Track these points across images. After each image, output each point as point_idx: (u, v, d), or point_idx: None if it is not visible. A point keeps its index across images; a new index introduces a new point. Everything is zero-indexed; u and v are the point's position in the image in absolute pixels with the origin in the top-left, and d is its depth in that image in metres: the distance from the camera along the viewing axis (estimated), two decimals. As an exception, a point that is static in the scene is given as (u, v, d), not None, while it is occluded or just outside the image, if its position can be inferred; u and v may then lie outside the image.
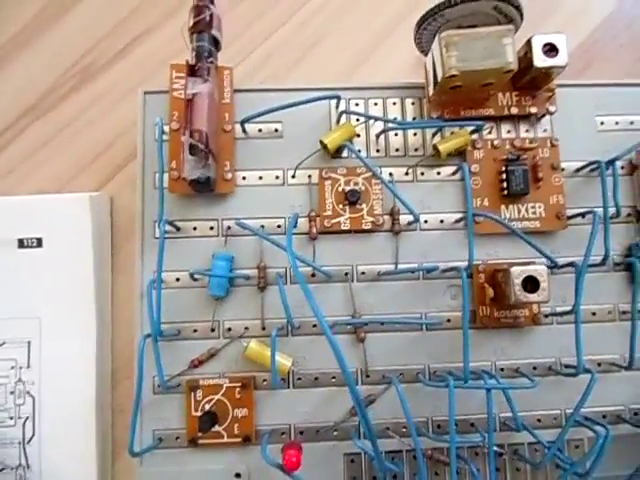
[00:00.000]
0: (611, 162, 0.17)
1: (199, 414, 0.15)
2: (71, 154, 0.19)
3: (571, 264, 0.16)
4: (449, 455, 0.14)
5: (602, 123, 0.18)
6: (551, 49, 0.16)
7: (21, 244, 0.18)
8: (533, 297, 0.14)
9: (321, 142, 0.17)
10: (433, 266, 0.16)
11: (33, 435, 0.17)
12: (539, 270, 0.15)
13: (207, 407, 0.15)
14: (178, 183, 0.16)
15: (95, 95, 0.19)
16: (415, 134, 0.17)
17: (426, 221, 0.17)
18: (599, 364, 0.17)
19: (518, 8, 0.15)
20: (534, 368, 0.17)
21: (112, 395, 0.18)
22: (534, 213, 0.17)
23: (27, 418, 0.17)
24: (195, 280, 0.16)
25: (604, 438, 0.15)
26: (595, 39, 0.20)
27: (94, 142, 0.19)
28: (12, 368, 0.18)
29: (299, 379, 0.16)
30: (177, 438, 0.16)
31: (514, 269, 0.15)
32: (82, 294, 0.18)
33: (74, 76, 0.20)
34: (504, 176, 0.17)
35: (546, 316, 0.17)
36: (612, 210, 0.16)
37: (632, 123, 0.18)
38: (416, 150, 0.17)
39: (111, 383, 0.18)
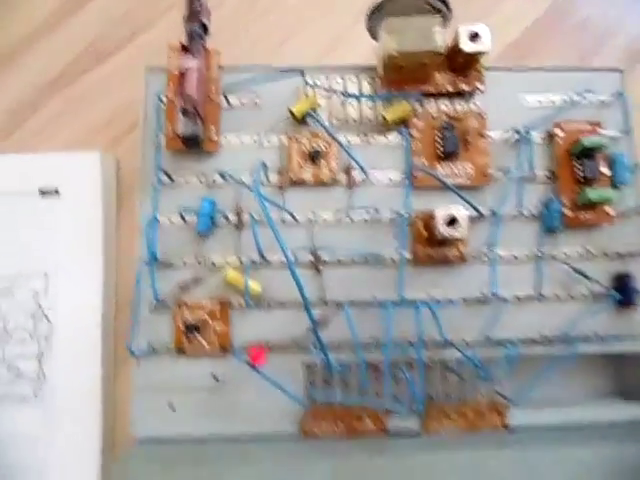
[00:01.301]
0: (529, 131, 0.21)
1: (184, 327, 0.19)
2: (85, 122, 0.23)
3: (493, 213, 0.20)
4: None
5: (527, 101, 0.22)
6: (475, 36, 0.19)
7: (42, 193, 0.22)
8: (453, 232, 0.18)
9: (290, 111, 0.20)
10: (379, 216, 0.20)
11: (49, 350, 0.21)
12: (458, 211, 0.18)
13: (191, 320, 0.19)
14: (173, 141, 0.20)
15: (107, 73, 0.24)
16: (370, 108, 0.21)
17: (376, 177, 0.21)
18: (518, 298, 0.20)
19: (445, 2, 0.18)
20: (464, 300, 0.20)
21: (115, 319, 0.22)
22: (464, 171, 0.20)
23: (44, 336, 0.21)
24: (185, 221, 0.20)
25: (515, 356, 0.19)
26: (527, 37, 0.25)
27: (105, 112, 0.23)
28: (33, 296, 0.22)
29: (269, 304, 0.20)
30: (167, 348, 0.19)
31: (438, 210, 0.18)
32: (92, 237, 0.22)
33: (89, 56, 0.24)
34: (439, 140, 0.20)
35: (474, 257, 0.20)
36: (541, 173, 0.21)
37: (553, 102, 0.22)
38: (369, 120, 0.21)
39: (114, 310, 0.22)
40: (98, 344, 0.21)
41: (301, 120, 0.21)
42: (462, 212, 0.18)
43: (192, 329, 0.19)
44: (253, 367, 0.17)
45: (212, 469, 0.17)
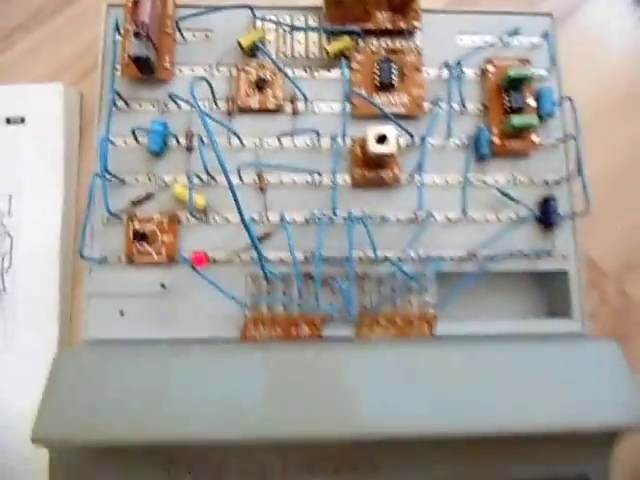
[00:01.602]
0: (460, 64, 0.22)
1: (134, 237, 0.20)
2: (53, 59, 0.25)
3: (425, 140, 0.21)
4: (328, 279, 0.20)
5: (461, 40, 0.23)
6: (408, -25, 0.21)
7: (8, 121, 0.23)
8: (383, 148, 0.19)
9: (238, 43, 0.22)
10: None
11: (10, 266, 0.22)
12: (387, 129, 0.19)
13: (140, 230, 0.20)
14: (128, 67, 0.21)
15: (76, 13, 0.25)
16: (314, 43, 0.23)
17: (318, 107, 0.22)
18: (448, 219, 0.22)
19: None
20: (397, 219, 0.22)
21: (75, 238, 0.23)
22: (400, 101, 0.22)
23: (5, 253, 0.22)
24: (138, 142, 0.21)
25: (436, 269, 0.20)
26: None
27: (73, 50, 0.25)
28: (-3, 216, 0.23)
29: (215, 219, 0.21)
30: (119, 258, 0.21)
31: (369, 128, 0.20)
32: (54, 162, 0.23)
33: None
34: (378, 72, 0.22)
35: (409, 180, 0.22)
36: (472, 106, 0.22)
37: (486, 42, 0.23)
38: (314, 55, 0.23)
39: (74, 229, 0.23)
40: (56, 259, 0.22)
41: (249, 52, 0.22)
42: (391, 130, 0.20)
43: (140, 237, 0.20)
44: (196, 270, 0.19)
45: (154, 363, 0.18)
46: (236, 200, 0.17)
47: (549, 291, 0.23)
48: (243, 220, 0.17)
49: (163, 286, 0.21)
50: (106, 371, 0.18)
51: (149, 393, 0.17)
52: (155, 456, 0.18)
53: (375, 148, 0.20)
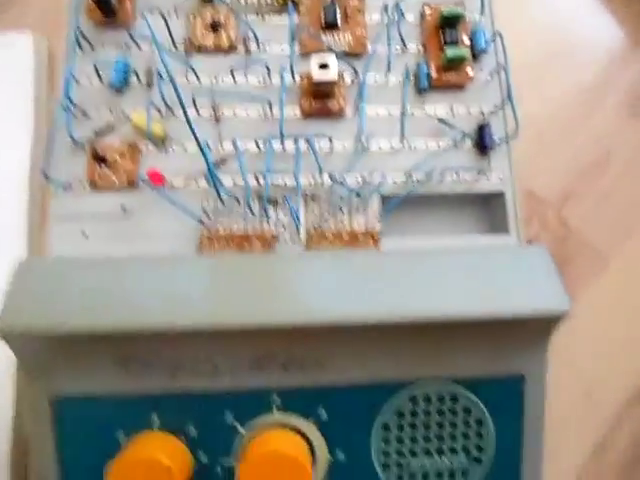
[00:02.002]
0: (399, 8, 0.24)
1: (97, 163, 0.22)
2: (21, 9, 0.27)
3: (368, 73, 0.23)
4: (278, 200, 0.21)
5: (403, -12, 0.25)
6: None
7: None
8: (325, 75, 0.21)
9: (195, -11, 0.24)
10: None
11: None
12: (329, 57, 0.21)
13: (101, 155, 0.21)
14: (92, 12, 0.23)
15: None
16: (266, -9, 0.25)
17: (270, 47, 0.24)
18: (392, 147, 0.23)
19: None
20: (344, 147, 0.23)
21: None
22: (344, 40, 0.24)
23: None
24: (101, 79, 0.23)
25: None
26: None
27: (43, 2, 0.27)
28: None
29: (172, 148, 0.23)
30: (81, 183, 0.22)
31: (313, 56, 0.21)
32: (24, 108, 0.25)
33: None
34: (322, 13, 0.24)
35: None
36: (413, 46, 0.24)
37: (427, -10, 0.25)
38: (266, 3, 0.24)
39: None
40: (26, 189, 0.23)
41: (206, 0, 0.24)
42: (332, 59, 0.21)
43: (100, 160, 0.21)
44: (154, 187, 0.20)
45: (111, 266, 0.19)
46: (190, 124, 0.18)
47: (488, 213, 0.24)
48: (198, 143, 0.19)
49: (124, 209, 0.22)
50: (66, 273, 0.19)
51: (105, 290, 0.18)
52: (112, 353, 0.19)
53: (318, 75, 0.21)
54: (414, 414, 0.20)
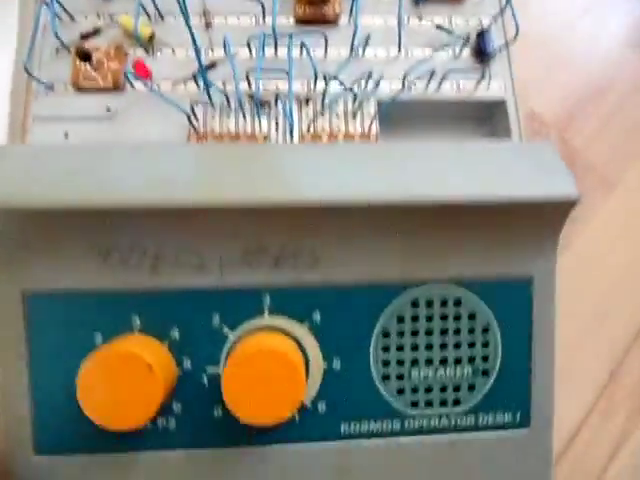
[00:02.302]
0: None
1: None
2: None
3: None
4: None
5: None
6: None
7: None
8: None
9: None
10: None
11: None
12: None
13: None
14: None
15: None
16: None
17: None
18: (389, 54, 0.23)
19: None
20: (339, 54, 0.22)
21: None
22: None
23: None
24: (89, -15, 0.22)
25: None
26: None
27: None
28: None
29: (160, 51, 0.22)
30: (65, 85, 0.21)
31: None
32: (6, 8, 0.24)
33: None
34: None
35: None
36: None
37: None
38: None
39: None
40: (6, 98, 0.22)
41: None
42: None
43: (85, 57, 0.20)
44: (138, 78, 0.19)
45: (94, 149, 0.18)
46: (187, 20, 0.18)
47: (489, 122, 0.23)
48: (194, 40, 0.18)
49: (109, 110, 0.21)
50: (48, 156, 0.17)
51: (88, 170, 0.17)
52: (91, 240, 0.17)
53: (313, -28, 0.21)
54: (416, 319, 0.19)
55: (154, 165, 0.17)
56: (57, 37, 0.21)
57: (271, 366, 0.16)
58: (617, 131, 0.25)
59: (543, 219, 0.19)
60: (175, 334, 0.18)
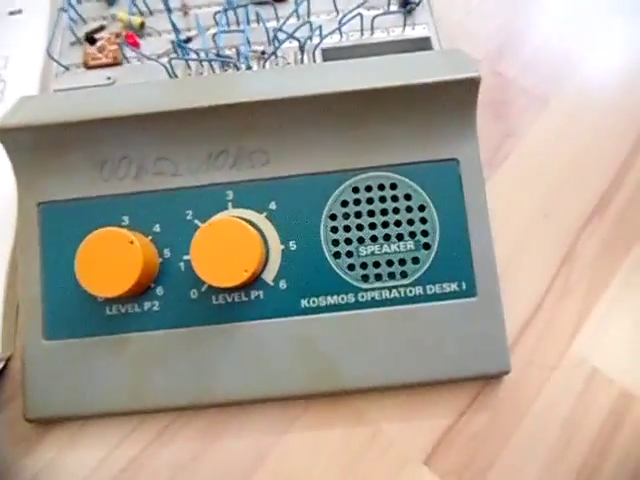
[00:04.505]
0: None
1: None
2: None
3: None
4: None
5: None
6: None
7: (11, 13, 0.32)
8: (264, -43, 0.26)
9: None
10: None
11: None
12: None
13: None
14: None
15: None
16: None
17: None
18: (327, 14, 0.27)
19: None
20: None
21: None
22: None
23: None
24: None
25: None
26: None
27: None
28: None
29: (150, 34, 0.27)
30: (77, 66, 0.27)
31: (255, -52, 0.26)
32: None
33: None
34: None
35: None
36: None
37: None
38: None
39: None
40: (37, 79, 0.28)
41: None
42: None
43: (91, 41, 0.26)
44: (129, 46, 0.25)
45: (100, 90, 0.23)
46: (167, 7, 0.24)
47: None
48: (171, 21, 0.24)
49: (109, 78, 0.26)
50: (59, 97, 0.23)
51: (89, 97, 0.22)
52: (89, 155, 0.22)
53: (259, -42, 0.26)
54: (357, 202, 0.22)
55: (138, 91, 0.22)
56: (72, 31, 0.27)
57: (232, 234, 0.19)
58: (548, 58, 0.28)
59: (457, 101, 0.21)
60: (157, 229, 0.22)
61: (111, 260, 0.20)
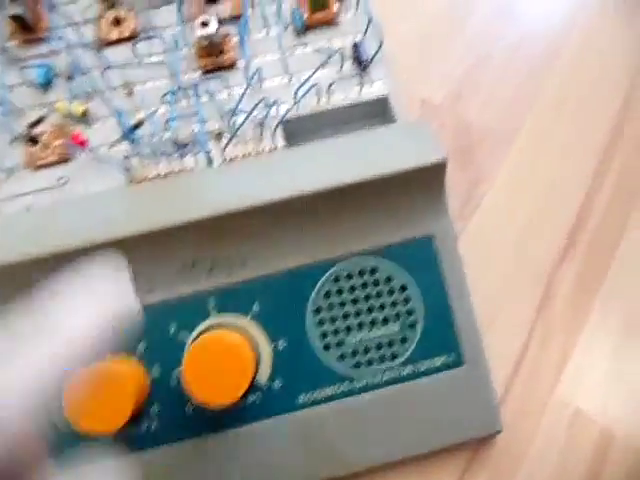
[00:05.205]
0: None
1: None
2: None
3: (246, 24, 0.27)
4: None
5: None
6: None
7: None
8: (205, 30, 0.25)
9: (96, -2, 0.28)
10: None
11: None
12: (208, 17, 0.25)
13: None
14: (15, 34, 0.27)
15: None
16: (157, -12, 0.29)
17: (165, 30, 0.28)
18: (281, 82, 0.26)
19: None
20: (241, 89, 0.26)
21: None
22: (224, 8, 0.28)
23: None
24: (29, 83, 0.27)
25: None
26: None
27: None
28: None
29: (95, 123, 0.26)
30: (22, 167, 0.25)
31: (195, 20, 0.25)
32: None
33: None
34: (204, -8, 0.28)
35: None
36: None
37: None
38: (158, -4, 0.29)
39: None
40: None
41: (107, 3, 0.28)
42: (212, 18, 0.25)
43: (32, 141, 0.25)
44: (76, 145, 0.23)
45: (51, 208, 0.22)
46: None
47: (380, 121, 0.26)
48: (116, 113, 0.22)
49: (60, 179, 0.25)
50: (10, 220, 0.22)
51: (41, 221, 0.21)
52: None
53: (201, 31, 0.25)
54: (340, 292, 0.22)
55: (94, 209, 0.21)
56: (7, 129, 0.25)
57: (220, 355, 0.19)
58: (504, 95, 0.29)
59: (426, 183, 0.22)
60: (141, 347, 0.21)
61: (100, 397, 0.20)
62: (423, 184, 0.22)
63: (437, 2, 0.31)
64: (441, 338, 0.22)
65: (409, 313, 0.22)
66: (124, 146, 0.26)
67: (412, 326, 0.22)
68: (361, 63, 0.26)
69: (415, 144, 0.22)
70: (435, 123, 0.28)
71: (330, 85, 0.26)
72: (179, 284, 0.22)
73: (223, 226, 0.21)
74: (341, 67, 0.27)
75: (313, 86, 0.25)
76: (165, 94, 0.26)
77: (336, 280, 0.22)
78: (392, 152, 0.22)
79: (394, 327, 0.22)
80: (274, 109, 0.26)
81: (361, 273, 0.22)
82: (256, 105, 0.25)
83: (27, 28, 0.27)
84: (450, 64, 0.29)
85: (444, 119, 0.29)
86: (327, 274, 0.22)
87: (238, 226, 0.21)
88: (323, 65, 0.26)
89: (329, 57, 0.26)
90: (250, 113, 0.25)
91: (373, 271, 0.22)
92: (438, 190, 0.22)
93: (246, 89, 0.25)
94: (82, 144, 0.24)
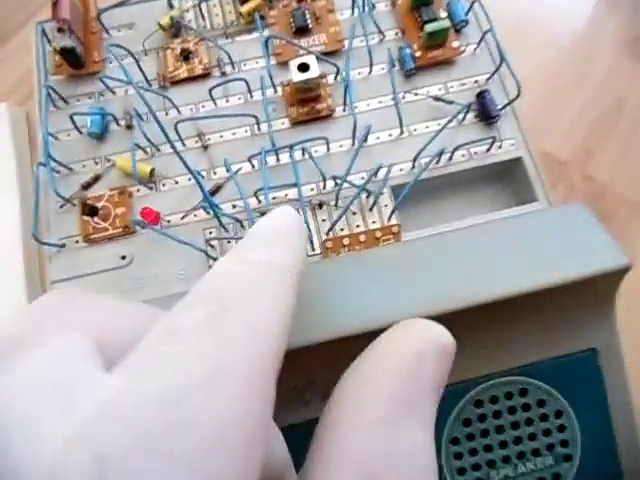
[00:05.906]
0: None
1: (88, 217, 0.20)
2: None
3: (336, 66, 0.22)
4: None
5: (368, -18, 0.24)
6: None
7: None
8: (305, 75, 0.20)
9: (159, 24, 0.23)
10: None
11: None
12: (307, 58, 0.20)
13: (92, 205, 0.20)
14: (59, 67, 0.23)
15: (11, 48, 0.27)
16: (230, 12, 0.24)
17: (245, 64, 0.23)
18: (390, 135, 0.22)
19: None
20: (341, 146, 0.22)
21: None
22: (319, 41, 0.23)
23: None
24: (80, 132, 0.22)
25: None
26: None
27: (14, 75, 0.27)
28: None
29: (163, 185, 0.21)
30: (76, 241, 0.21)
31: (292, 62, 0.20)
32: (8, 175, 0.24)
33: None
34: (291, 20, 0.23)
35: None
36: (391, 33, 0.23)
37: (391, -19, 0.24)
38: (232, 22, 0.24)
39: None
40: (20, 257, 0.22)
41: (172, 31, 0.23)
42: (312, 59, 0.20)
43: (91, 212, 0.20)
44: (150, 227, 0.19)
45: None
46: (181, 158, 0.17)
47: (510, 184, 0.22)
48: (190, 171, 0.17)
49: (123, 258, 0.20)
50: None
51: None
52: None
53: (298, 76, 0.20)
54: (483, 419, 0.18)
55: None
56: (58, 195, 0.20)
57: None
58: (638, 152, 0.24)
59: (597, 291, 0.17)
60: None
61: None
62: (595, 291, 0.17)
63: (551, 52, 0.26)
64: (601, 476, 0.19)
65: (564, 444, 0.18)
66: (201, 213, 0.21)
67: (567, 459, 0.18)
68: (487, 116, 0.22)
69: (582, 239, 0.18)
70: (562, 184, 0.24)
71: (455, 149, 0.21)
72: (286, 410, 0.18)
73: (346, 349, 0.17)
74: (462, 119, 0.22)
75: (440, 154, 0.21)
76: (254, 155, 0.21)
77: (477, 404, 0.18)
78: (558, 250, 0.17)
79: (546, 461, 0.18)
80: (383, 173, 0.21)
81: (508, 396, 0.18)
82: (369, 178, 0.20)
83: (75, 62, 0.22)
84: (577, 116, 0.25)
85: (572, 179, 0.24)
86: (467, 396, 0.18)
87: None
88: (449, 123, 0.21)
89: (458, 113, 0.21)
90: (363, 187, 0.20)
91: (523, 393, 0.18)
92: (610, 297, 0.18)
93: (356, 153, 0.20)
94: (155, 221, 0.19)
